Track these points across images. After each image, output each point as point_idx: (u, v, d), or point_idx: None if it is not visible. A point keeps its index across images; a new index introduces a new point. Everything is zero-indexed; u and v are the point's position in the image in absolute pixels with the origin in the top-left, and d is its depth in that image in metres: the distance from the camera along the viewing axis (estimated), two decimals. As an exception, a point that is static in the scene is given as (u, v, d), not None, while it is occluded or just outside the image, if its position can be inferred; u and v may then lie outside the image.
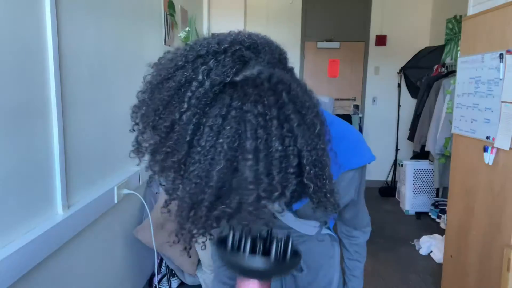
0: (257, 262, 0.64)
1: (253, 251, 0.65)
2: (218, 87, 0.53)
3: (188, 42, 0.64)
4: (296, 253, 0.68)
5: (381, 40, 4.93)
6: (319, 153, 0.57)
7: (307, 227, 0.98)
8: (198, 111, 0.52)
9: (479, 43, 2.05)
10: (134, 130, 0.62)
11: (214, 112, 0.52)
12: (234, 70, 0.54)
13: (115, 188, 1.83)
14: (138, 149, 0.60)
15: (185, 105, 0.53)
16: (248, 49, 0.57)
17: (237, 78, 0.54)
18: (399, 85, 4.98)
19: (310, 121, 0.56)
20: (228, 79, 0.53)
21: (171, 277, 2.44)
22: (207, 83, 0.53)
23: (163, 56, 0.62)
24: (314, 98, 0.61)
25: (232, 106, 0.52)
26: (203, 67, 0.54)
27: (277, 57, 0.61)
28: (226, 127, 0.51)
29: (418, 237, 3.32)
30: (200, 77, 0.53)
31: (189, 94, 0.53)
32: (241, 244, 0.65)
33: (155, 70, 0.60)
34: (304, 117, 0.56)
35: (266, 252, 0.65)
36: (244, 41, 0.58)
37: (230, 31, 0.62)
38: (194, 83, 0.53)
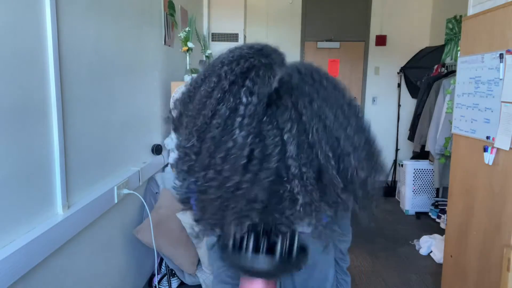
0: (261, 262, 0.58)
1: (256, 249, 0.59)
2: (264, 100, 0.53)
3: (203, 71, 0.61)
4: (303, 249, 0.61)
5: (381, 40, 4.93)
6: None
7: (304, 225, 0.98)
8: (252, 129, 0.52)
9: (479, 43, 2.05)
10: (184, 180, 0.58)
11: (282, 119, 0.54)
12: (271, 77, 0.54)
13: (115, 188, 1.83)
14: (186, 200, 0.59)
15: (237, 131, 0.51)
16: (260, 56, 0.57)
17: (276, 84, 0.55)
18: (399, 85, 4.98)
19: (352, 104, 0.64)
20: (273, 88, 0.54)
21: (171, 277, 2.44)
22: (254, 99, 0.52)
23: (194, 95, 0.59)
24: None
25: (296, 107, 0.55)
26: (243, 88, 0.53)
27: (280, 55, 0.62)
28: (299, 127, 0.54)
29: (418, 237, 3.32)
30: (244, 100, 0.52)
31: (238, 119, 0.52)
32: (243, 242, 0.59)
33: (193, 112, 0.57)
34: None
35: (270, 249, 0.59)
36: (249, 53, 0.57)
37: (219, 56, 0.60)
38: (241, 107, 0.52)
